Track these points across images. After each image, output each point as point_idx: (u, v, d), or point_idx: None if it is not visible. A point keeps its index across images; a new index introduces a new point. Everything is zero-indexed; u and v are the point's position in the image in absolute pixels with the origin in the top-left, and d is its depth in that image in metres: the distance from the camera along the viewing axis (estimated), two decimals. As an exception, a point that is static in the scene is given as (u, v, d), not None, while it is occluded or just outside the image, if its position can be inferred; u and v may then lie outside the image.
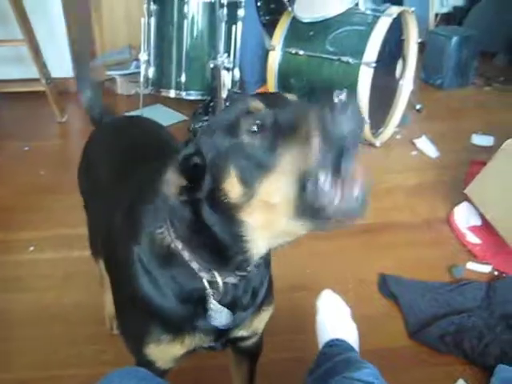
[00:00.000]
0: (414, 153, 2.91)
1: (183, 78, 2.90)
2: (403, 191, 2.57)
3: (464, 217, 2.23)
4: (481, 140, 2.95)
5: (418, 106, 3.38)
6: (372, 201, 2.36)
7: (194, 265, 0.93)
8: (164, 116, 3.24)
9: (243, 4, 2.88)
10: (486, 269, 2.02)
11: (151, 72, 2.98)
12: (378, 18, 2.71)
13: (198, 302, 0.97)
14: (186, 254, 0.93)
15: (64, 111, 3.37)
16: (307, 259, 2.06)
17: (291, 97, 0.87)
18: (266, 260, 1.06)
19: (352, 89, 2.69)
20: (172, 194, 0.86)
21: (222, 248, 0.88)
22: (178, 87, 2.95)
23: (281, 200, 0.76)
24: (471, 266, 2.03)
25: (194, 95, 3.00)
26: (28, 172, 2.75)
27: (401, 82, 3.11)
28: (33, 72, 3.21)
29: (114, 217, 1.11)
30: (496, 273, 2.00)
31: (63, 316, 1.81)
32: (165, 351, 1.03)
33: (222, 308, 0.97)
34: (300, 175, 0.73)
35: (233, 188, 0.81)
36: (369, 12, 2.79)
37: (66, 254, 2.11)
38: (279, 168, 0.76)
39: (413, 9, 2.92)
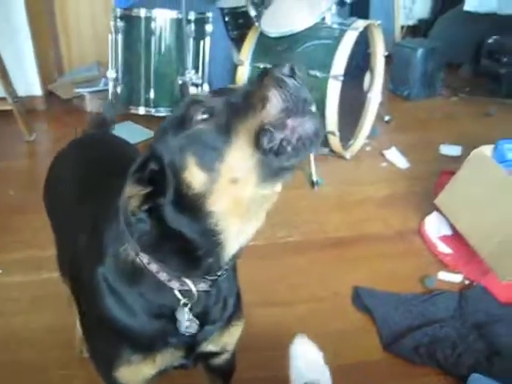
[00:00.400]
0: (384, 164, 2.94)
1: (152, 95, 2.89)
2: (374, 203, 2.58)
3: (435, 227, 2.25)
4: (449, 150, 2.99)
5: (386, 118, 3.42)
6: (343, 213, 2.39)
7: (163, 276, 0.90)
8: (134, 133, 3.21)
9: (211, 19, 2.89)
10: (458, 278, 2.03)
11: (120, 89, 2.96)
12: (344, 31, 2.74)
13: (168, 317, 0.95)
14: (154, 266, 0.90)
15: (32, 130, 3.32)
16: (280, 274, 2.06)
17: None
18: (234, 268, 1.05)
19: (320, 102, 2.71)
20: (133, 205, 0.83)
21: (192, 250, 0.86)
22: (147, 104, 2.94)
23: (244, 169, 0.77)
24: (443, 275, 2.05)
25: (163, 112, 2.98)
26: (2, 192, 2.69)
27: (369, 95, 3.15)
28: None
29: (78, 237, 1.09)
30: (467, 282, 2.01)
31: (32, 341, 1.77)
32: (136, 372, 1.00)
33: (193, 318, 0.95)
34: (254, 136, 0.75)
35: (194, 177, 0.80)
36: (335, 26, 2.82)
37: (34, 277, 2.06)
38: (236, 140, 0.77)
39: (379, 22, 2.96)
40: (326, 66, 2.68)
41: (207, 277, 0.91)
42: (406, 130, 3.35)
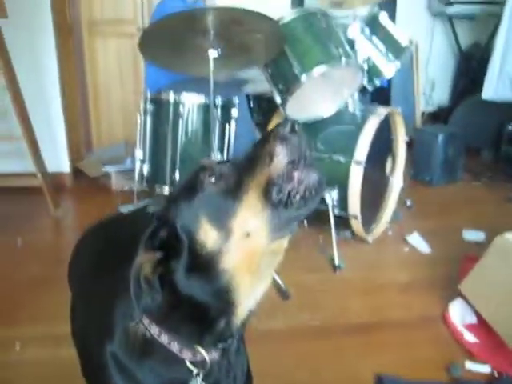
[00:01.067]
0: (406, 249, 2.93)
1: (177, 175, 2.94)
2: (397, 288, 2.55)
3: (459, 314, 2.20)
4: (472, 235, 2.97)
5: (408, 203, 3.43)
6: (366, 298, 2.37)
7: (175, 346, 0.91)
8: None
9: (237, 105, 2.98)
10: (486, 369, 1.96)
11: (146, 169, 3.03)
12: (366, 118, 2.81)
13: None
14: (165, 338, 0.91)
15: (58, 205, 3.40)
16: (301, 358, 2.02)
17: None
18: (242, 340, 1.06)
19: (343, 186, 2.75)
20: (146, 271, 0.86)
21: (204, 314, 0.88)
22: (172, 184, 2.99)
23: (256, 223, 0.82)
24: (470, 365, 1.98)
25: (187, 192, 3.03)
26: (19, 266, 2.73)
27: (391, 179, 3.18)
28: (29, 166, 3.27)
29: (88, 316, 1.13)
30: (496, 373, 1.95)
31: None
32: None
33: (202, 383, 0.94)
34: (263, 190, 0.81)
35: (208, 235, 0.84)
36: (358, 112, 2.91)
37: (53, 353, 2.05)
38: (246, 197, 0.82)
39: (400, 109, 3.04)
40: (349, 151, 2.74)
41: (219, 344, 0.92)
42: (428, 215, 3.35)
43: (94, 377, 1.07)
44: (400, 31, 3.15)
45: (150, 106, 2.97)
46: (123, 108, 4.35)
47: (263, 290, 0.92)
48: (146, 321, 0.92)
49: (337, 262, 2.69)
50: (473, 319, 2.17)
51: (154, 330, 0.92)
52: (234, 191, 0.84)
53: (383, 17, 3.09)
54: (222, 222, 0.83)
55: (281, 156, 0.81)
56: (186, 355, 0.92)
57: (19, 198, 3.51)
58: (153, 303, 0.89)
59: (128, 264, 0.97)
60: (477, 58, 4.85)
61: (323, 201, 2.79)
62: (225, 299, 0.87)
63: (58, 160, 3.79)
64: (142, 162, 3.02)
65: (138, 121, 3.01)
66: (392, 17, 3.67)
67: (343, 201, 2.77)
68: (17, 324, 2.26)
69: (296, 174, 0.81)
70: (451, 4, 4.74)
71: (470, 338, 2.10)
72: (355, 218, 2.77)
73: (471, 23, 5.06)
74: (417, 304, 2.40)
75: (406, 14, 4.75)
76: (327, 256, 2.79)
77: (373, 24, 3.05)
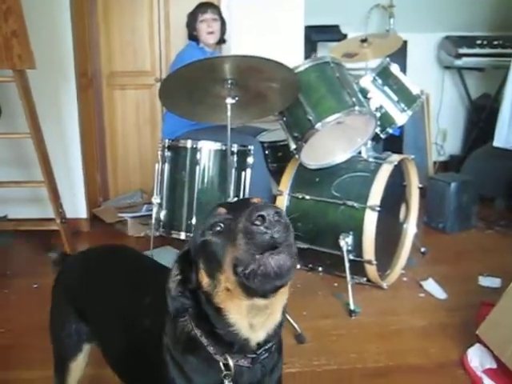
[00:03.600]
0: (422, 295, 2.92)
1: (194, 221, 2.97)
2: (413, 333, 2.54)
3: (478, 359, 2.18)
4: (488, 282, 2.97)
5: (422, 249, 3.44)
6: (382, 343, 2.36)
7: (211, 349, 1.02)
8: (172, 258, 3.29)
9: (252, 152, 3.04)
10: (506, 415, 1.95)
11: (163, 215, 3.07)
12: (380, 164, 2.87)
13: None
14: (204, 340, 1.02)
15: (76, 250, 3.43)
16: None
17: (256, 200, 1.00)
18: (278, 350, 1.12)
19: (358, 231, 2.78)
20: (172, 287, 1.02)
21: (221, 332, 0.99)
22: (189, 230, 3.02)
23: (231, 284, 0.91)
24: (490, 412, 1.96)
25: (203, 237, 3.06)
26: (35, 310, 2.71)
27: (405, 226, 3.21)
28: (47, 212, 3.34)
29: (141, 321, 1.22)
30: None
31: None
32: None
33: None
34: (234, 263, 0.88)
35: (203, 279, 0.97)
36: (371, 159, 2.96)
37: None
38: (224, 261, 0.91)
39: (412, 156, 3.10)
40: (363, 197, 2.78)
41: (247, 354, 1.01)
42: (443, 262, 3.35)
43: (148, 374, 1.17)
44: (411, 82, 3.24)
45: (167, 154, 3.04)
46: (140, 156, 4.44)
47: (271, 324, 1.00)
48: (193, 322, 1.04)
49: (352, 307, 2.69)
50: (492, 364, 2.14)
51: (197, 331, 1.04)
52: (220, 252, 0.92)
53: (394, 68, 3.18)
54: (212, 272, 0.95)
55: (242, 245, 0.86)
56: (219, 358, 1.03)
57: (38, 242, 3.56)
58: (191, 310, 1.03)
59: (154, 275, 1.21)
60: (487, 109, 4.93)
61: (338, 246, 2.81)
62: (228, 329, 0.98)
63: (76, 206, 3.86)
64: (160, 208, 3.07)
65: (156, 167, 3.07)
66: (403, 69, 3.77)
67: (358, 246, 2.80)
68: (31, 367, 2.25)
69: (258, 258, 0.85)
70: (460, 57, 4.86)
71: (489, 383, 2.07)
72: (370, 263, 2.79)
73: (480, 75, 5.18)
74: (434, 349, 2.38)
75: (416, 66, 4.87)
76: (342, 301, 2.79)
77: (384, 75, 3.15)
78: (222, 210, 0.97)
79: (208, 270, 0.96)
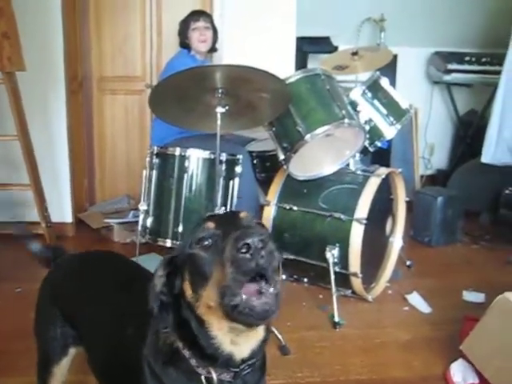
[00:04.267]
0: (406, 308, 2.93)
1: (180, 229, 2.96)
2: (397, 346, 2.54)
3: (461, 374, 2.18)
4: (472, 297, 2.99)
5: (408, 262, 3.45)
6: (365, 356, 2.35)
7: (193, 362, 1.01)
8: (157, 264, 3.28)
9: (240, 161, 3.04)
10: (488, 431, 1.95)
11: (149, 222, 3.06)
12: (367, 177, 2.88)
13: None
14: (187, 352, 1.02)
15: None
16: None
17: (243, 215, 1.03)
18: (262, 363, 1.11)
19: (344, 243, 2.78)
20: (157, 284, 1.01)
21: (203, 344, 0.99)
22: (175, 237, 3.01)
23: (214, 304, 0.92)
24: (472, 427, 1.97)
25: (189, 245, 3.04)
26: (17, 314, 2.68)
27: (391, 239, 3.22)
28: (32, 215, 3.31)
29: (125, 328, 1.20)
30: None
31: None
32: None
33: None
34: (221, 287, 0.89)
35: (187, 290, 0.98)
36: (359, 172, 2.97)
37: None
38: (207, 285, 0.93)
39: (400, 170, 3.11)
40: (350, 210, 2.79)
41: (230, 368, 1.01)
42: (428, 276, 3.37)
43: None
44: (400, 96, 3.26)
45: (155, 160, 3.03)
46: (128, 162, 4.42)
47: (254, 342, 1.01)
48: (176, 333, 1.03)
49: (337, 319, 2.68)
50: (475, 379, 2.15)
51: (180, 343, 1.03)
52: (207, 269, 0.93)
53: (384, 82, 3.20)
54: (196, 286, 0.96)
55: (230, 275, 0.88)
56: (202, 372, 1.02)
57: (21, 246, 3.51)
58: (171, 319, 1.02)
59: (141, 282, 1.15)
60: (474, 124, 4.99)
61: (324, 258, 2.82)
62: (209, 342, 0.98)
63: (62, 210, 3.83)
64: (146, 214, 3.05)
65: (144, 174, 3.06)
66: (392, 83, 3.81)
67: (344, 258, 2.80)
68: (15, 373, 2.23)
69: (243, 298, 0.88)
70: (449, 72, 4.91)
71: (471, 398, 2.08)
72: (356, 275, 2.79)
73: (468, 91, 5.24)
74: (417, 363, 2.38)
75: (405, 80, 4.92)
76: (327, 313, 2.79)
77: (374, 88, 3.17)
78: (211, 225, 0.98)
79: (193, 283, 0.97)
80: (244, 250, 0.86)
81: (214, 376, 1.01)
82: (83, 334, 1.46)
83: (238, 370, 1.01)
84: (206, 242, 0.95)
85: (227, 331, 0.96)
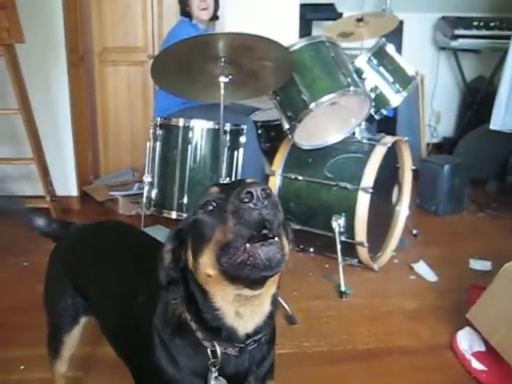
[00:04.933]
0: (413, 277, 2.92)
1: (185, 200, 2.96)
2: (403, 315, 2.54)
3: (467, 342, 2.19)
4: (478, 265, 2.98)
5: (414, 231, 3.44)
6: (372, 325, 2.36)
7: (199, 335, 1.01)
8: (163, 237, 3.28)
9: (245, 131, 3.01)
10: (494, 397, 1.95)
11: (154, 194, 3.05)
12: (373, 146, 2.85)
13: (203, 375, 1.03)
14: (193, 325, 1.01)
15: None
16: (308, 385, 2.01)
17: (250, 181, 0.95)
18: (270, 338, 1.10)
19: (350, 213, 2.76)
20: (165, 258, 0.99)
21: (207, 317, 0.98)
22: (180, 209, 3.00)
23: (213, 271, 0.90)
24: (478, 394, 1.97)
25: (195, 217, 3.04)
26: (24, 288, 2.71)
27: (397, 208, 3.20)
28: (38, 189, 3.30)
29: (137, 296, 1.21)
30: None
31: None
32: None
33: (222, 379, 1.02)
34: (219, 250, 0.87)
35: (189, 259, 0.96)
36: (365, 141, 2.94)
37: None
38: (207, 248, 0.90)
39: (406, 138, 3.08)
40: (356, 179, 2.76)
41: (235, 343, 0.99)
42: (434, 244, 3.36)
43: (142, 352, 1.13)
44: (406, 62, 3.20)
45: (159, 132, 3.01)
46: (132, 134, 4.40)
47: (259, 317, 0.98)
48: (185, 305, 1.02)
49: (343, 289, 2.68)
50: (481, 347, 2.15)
51: (188, 315, 1.02)
52: (208, 232, 0.90)
53: (390, 49, 3.15)
54: (195, 253, 0.93)
55: (231, 228, 0.85)
56: (207, 345, 1.01)
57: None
58: (179, 292, 1.01)
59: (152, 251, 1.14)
60: (481, 91, 4.91)
61: (330, 227, 2.80)
62: (214, 314, 0.96)
63: (67, 183, 3.82)
64: (151, 186, 3.04)
65: (148, 146, 3.04)
66: (398, 49, 3.73)
67: (350, 228, 2.79)
68: (20, 345, 2.24)
69: (247, 248, 0.84)
70: (456, 38, 4.82)
71: (478, 365, 2.08)
72: (362, 245, 2.78)
73: (476, 57, 5.15)
74: (424, 331, 2.39)
75: (411, 46, 4.83)
76: (333, 282, 2.79)
77: (380, 55, 3.11)
78: (215, 189, 0.96)
79: (193, 250, 0.94)
80: (247, 200, 0.83)
81: (218, 350, 0.99)
82: (94, 304, 1.46)
83: (243, 345, 0.99)
84: (210, 207, 0.92)
85: (231, 300, 0.93)
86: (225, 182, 1.87)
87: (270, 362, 1.11)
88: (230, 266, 0.86)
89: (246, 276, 0.86)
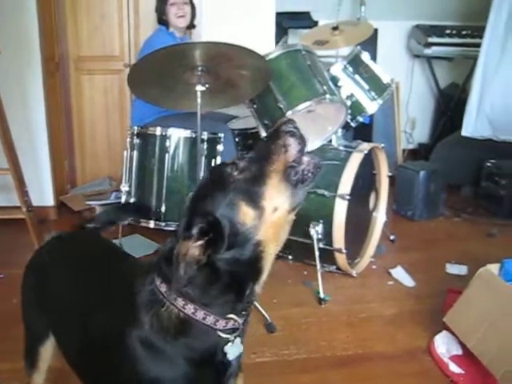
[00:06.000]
0: (391, 282, 2.95)
1: (163, 209, 2.95)
2: (382, 321, 2.57)
3: (445, 346, 2.21)
4: (455, 269, 3.02)
5: (391, 237, 3.47)
6: (351, 331, 2.37)
7: (210, 319, 1.05)
8: (140, 246, 3.27)
9: (222, 140, 3.02)
10: (472, 401, 1.98)
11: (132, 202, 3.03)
12: (350, 153, 2.87)
13: (208, 362, 1.09)
14: (200, 314, 1.05)
15: (42, 239, 3.36)
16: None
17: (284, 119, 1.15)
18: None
19: (328, 220, 2.78)
20: (195, 255, 0.99)
21: (238, 283, 1.05)
22: (158, 218, 2.99)
23: (280, 199, 1.04)
24: (455, 397, 1.99)
25: (172, 226, 3.03)
26: (1, 300, 2.68)
27: (374, 214, 3.23)
28: (13, 199, 3.26)
29: (96, 317, 1.19)
30: (482, 405, 1.96)
31: None
32: None
33: (239, 341, 1.12)
34: (282, 173, 1.04)
35: (246, 215, 1.02)
36: (342, 148, 2.96)
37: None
38: (269, 181, 1.03)
39: (382, 145, 3.11)
40: (333, 186, 2.78)
41: (243, 312, 1.10)
42: (411, 249, 3.39)
43: (120, 368, 1.13)
44: (381, 70, 3.25)
45: (136, 141, 3.00)
46: (108, 143, 4.37)
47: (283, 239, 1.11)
48: (180, 303, 1.05)
49: (322, 295, 2.70)
50: (458, 351, 2.18)
51: (189, 308, 1.05)
52: (259, 178, 1.03)
53: (365, 57, 3.19)
54: (255, 202, 1.02)
55: (293, 146, 1.05)
56: (220, 325, 1.06)
57: (3, 231, 3.48)
58: (190, 285, 1.03)
59: (115, 267, 1.29)
60: (455, 98, 5.00)
61: (308, 234, 2.81)
62: (256, 267, 1.05)
63: (43, 193, 3.77)
64: (128, 195, 3.02)
65: (125, 155, 3.02)
66: (373, 57, 3.78)
67: (328, 235, 2.80)
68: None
69: (304, 158, 1.06)
70: (429, 46, 4.90)
71: (455, 369, 2.11)
72: (340, 251, 2.80)
73: (449, 64, 5.24)
74: (402, 336, 2.41)
75: (386, 54, 4.88)
76: (312, 289, 2.80)
77: (355, 63, 3.15)
78: (230, 160, 1.09)
79: (252, 203, 1.02)
80: (292, 125, 1.08)
81: (238, 319, 1.08)
82: (54, 321, 1.44)
83: (248, 311, 1.11)
84: (242, 164, 1.05)
85: (279, 236, 1.07)
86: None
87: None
88: (299, 176, 1.05)
89: (310, 179, 1.05)
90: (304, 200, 1.08)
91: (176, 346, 1.06)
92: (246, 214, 1.02)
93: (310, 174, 1.05)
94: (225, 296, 1.05)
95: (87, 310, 1.23)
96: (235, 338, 1.09)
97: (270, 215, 1.03)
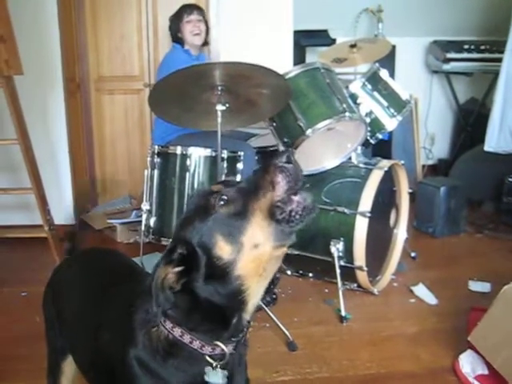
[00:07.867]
0: (413, 300, 2.92)
1: (184, 227, 2.95)
2: (404, 339, 2.54)
3: (470, 365, 2.18)
4: (478, 287, 2.98)
5: (412, 254, 3.44)
6: (373, 349, 2.35)
7: (196, 344, 1.03)
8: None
9: (242, 158, 3.03)
10: (499, 422, 1.94)
11: (152, 221, 3.05)
12: (370, 170, 2.87)
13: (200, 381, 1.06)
14: (187, 337, 1.04)
15: (64, 258, 3.40)
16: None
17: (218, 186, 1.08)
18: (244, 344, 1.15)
19: (349, 237, 2.77)
20: (170, 282, 0.99)
21: (220, 313, 1.02)
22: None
23: (262, 236, 0.98)
24: (482, 418, 1.96)
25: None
26: (23, 318, 2.70)
27: (395, 231, 3.21)
28: (36, 218, 3.30)
29: (101, 332, 1.21)
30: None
31: None
32: None
33: (223, 372, 1.07)
34: (268, 211, 0.98)
35: (223, 250, 0.98)
36: (362, 165, 2.96)
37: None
38: (253, 217, 0.98)
39: (402, 162, 3.10)
40: (354, 203, 2.77)
41: (233, 339, 1.06)
42: (433, 267, 3.36)
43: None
44: (400, 87, 3.24)
45: (157, 160, 3.02)
46: (129, 162, 4.42)
47: (265, 287, 1.06)
48: (168, 325, 1.05)
49: (343, 313, 2.68)
50: (484, 370, 2.14)
51: (177, 331, 1.04)
52: (242, 213, 0.98)
53: (384, 74, 3.19)
54: (234, 238, 0.98)
55: (281, 184, 0.98)
56: (206, 350, 1.04)
57: (26, 250, 3.52)
58: (174, 308, 1.02)
59: (125, 285, 1.27)
60: (474, 113, 4.97)
61: (329, 252, 2.81)
62: (237, 299, 1.02)
63: (65, 212, 3.83)
64: (149, 214, 3.04)
65: (145, 174, 3.05)
66: (391, 74, 3.79)
67: (349, 252, 2.79)
68: (20, 378, 2.22)
69: (294, 198, 0.98)
70: (448, 61, 4.89)
71: (481, 389, 2.08)
72: (361, 269, 2.78)
73: (468, 79, 5.22)
74: (425, 355, 2.38)
75: (404, 70, 4.90)
76: (333, 307, 2.79)
77: (374, 80, 3.15)
78: (217, 187, 1.06)
79: (230, 238, 0.98)
80: (287, 160, 0.99)
81: (224, 347, 1.05)
82: (67, 335, 1.47)
83: (239, 338, 1.06)
84: (225, 197, 1.00)
85: (263, 273, 1.01)
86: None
87: (244, 361, 1.18)
88: (285, 216, 0.97)
89: (298, 222, 0.98)
90: (295, 238, 1.02)
91: (166, 366, 1.06)
92: (222, 248, 0.98)
93: (297, 216, 0.97)
94: (208, 323, 1.04)
95: (97, 327, 1.24)
96: (219, 365, 1.06)
97: (249, 251, 0.98)
